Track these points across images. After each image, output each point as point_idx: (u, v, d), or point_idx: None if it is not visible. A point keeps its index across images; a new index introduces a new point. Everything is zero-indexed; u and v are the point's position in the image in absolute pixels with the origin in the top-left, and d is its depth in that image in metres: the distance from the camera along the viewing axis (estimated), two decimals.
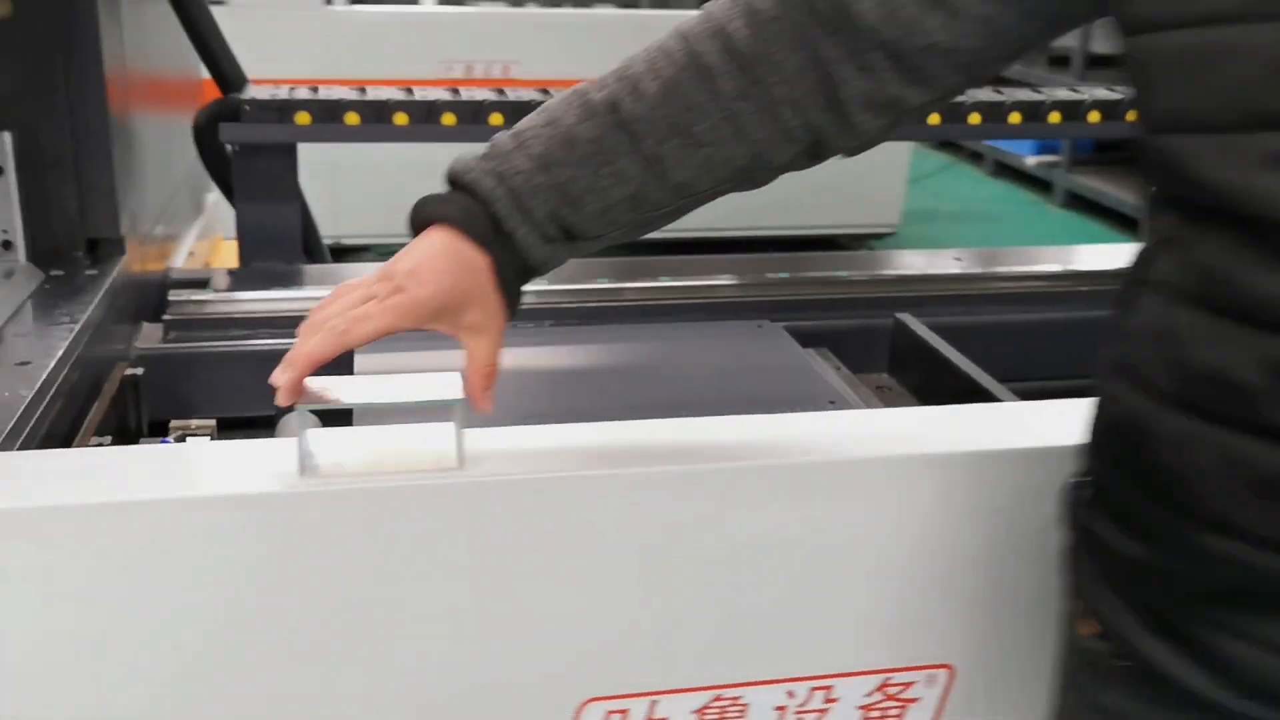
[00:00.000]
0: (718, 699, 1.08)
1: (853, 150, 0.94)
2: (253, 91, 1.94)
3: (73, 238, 1.64)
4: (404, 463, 0.97)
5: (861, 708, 1.12)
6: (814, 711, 1.11)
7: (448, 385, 0.95)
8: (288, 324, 1.73)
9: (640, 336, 1.80)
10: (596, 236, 0.92)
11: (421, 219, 0.90)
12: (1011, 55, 0.89)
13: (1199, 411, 0.74)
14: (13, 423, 1.18)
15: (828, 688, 1.10)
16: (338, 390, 0.93)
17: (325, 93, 1.94)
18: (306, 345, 0.87)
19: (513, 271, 0.91)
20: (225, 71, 1.93)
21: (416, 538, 0.97)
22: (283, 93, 1.92)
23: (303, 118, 1.89)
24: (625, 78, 0.90)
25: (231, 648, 0.97)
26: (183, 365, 1.63)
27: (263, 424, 1.59)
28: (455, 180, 0.90)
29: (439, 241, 0.88)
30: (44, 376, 1.29)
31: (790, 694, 1.09)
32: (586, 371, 1.70)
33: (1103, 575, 0.84)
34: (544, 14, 5.20)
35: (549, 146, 0.89)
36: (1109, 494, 0.83)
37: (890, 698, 1.12)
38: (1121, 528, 0.82)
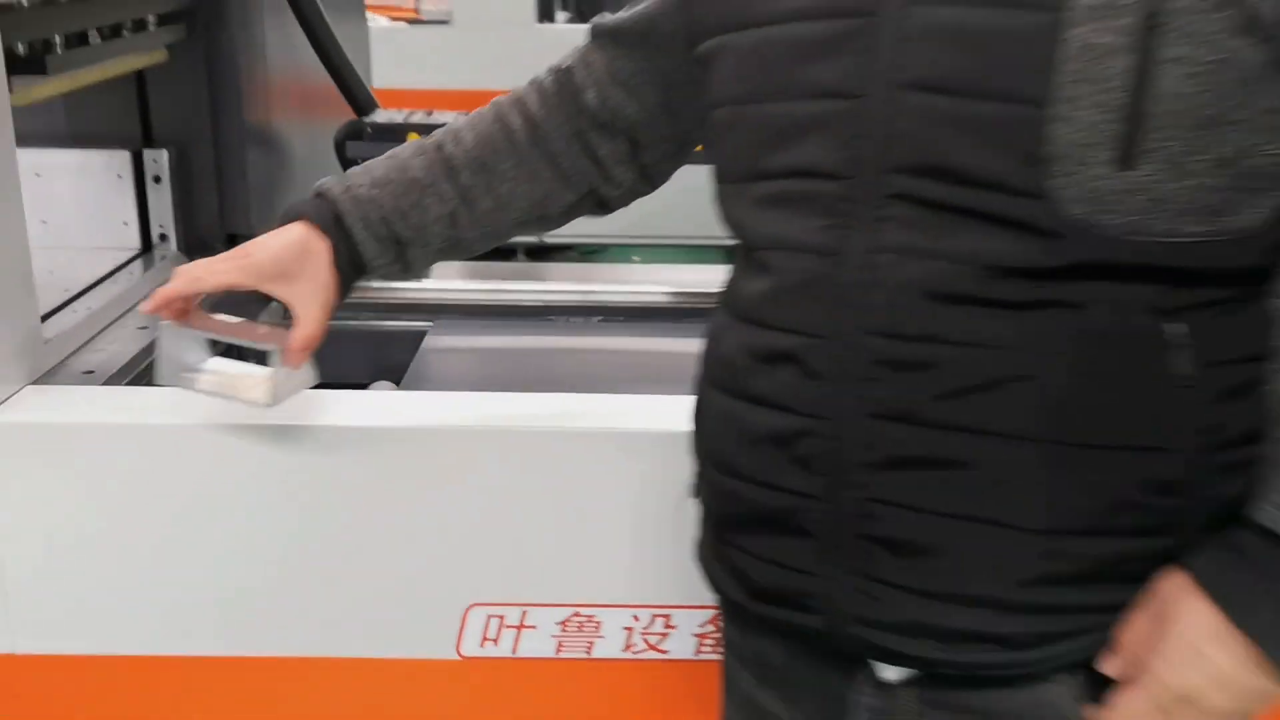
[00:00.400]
0: (576, 615, 1.37)
1: (621, 198, 1.22)
2: (377, 114, 2.35)
3: (214, 232, 2.09)
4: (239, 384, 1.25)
5: (697, 635, 1.38)
6: (656, 634, 1.38)
7: (277, 338, 1.19)
8: (387, 309, 2.15)
9: (676, 333, 2.10)
10: (423, 245, 1.20)
11: (285, 216, 1.18)
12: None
13: (717, 386, 1.00)
14: (116, 369, 1.60)
15: (667, 616, 1.38)
16: (199, 322, 1.21)
17: (437, 117, 2.33)
18: (168, 285, 1.17)
19: (347, 261, 1.17)
20: (356, 96, 2.33)
21: (334, 475, 1.32)
22: (400, 117, 2.32)
23: (414, 138, 2.27)
24: (450, 130, 1.21)
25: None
26: None
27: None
28: (315, 192, 1.21)
29: (293, 228, 1.17)
30: (155, 337, 1.72)
31: (636, 618, 1.38)
32: (609, 357, 2.02)
33: (702, 523, 1.09)
34: None
35: (386, 170, 1.20)
36: (696, 455, 1.08)
37: (721, 630, 1.38)
38: (700, 481, 1.07)
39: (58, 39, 1.61)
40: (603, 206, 1.24)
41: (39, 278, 1.77)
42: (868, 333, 0.88)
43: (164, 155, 2.01)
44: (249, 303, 1.25)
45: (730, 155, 0.98)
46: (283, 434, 1.32)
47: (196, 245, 2.07)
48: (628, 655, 1.39)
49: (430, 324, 2.14)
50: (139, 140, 2.02)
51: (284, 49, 2.21)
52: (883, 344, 0.88)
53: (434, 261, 1.26)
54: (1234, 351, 0.89)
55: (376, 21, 4.41)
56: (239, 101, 2.04)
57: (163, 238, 2.05)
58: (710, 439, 1.04)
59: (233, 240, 2.12)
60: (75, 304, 1.78)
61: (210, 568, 1.36)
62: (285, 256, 1.15)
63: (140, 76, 2.00)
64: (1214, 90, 0.82)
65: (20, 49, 1.52)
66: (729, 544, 1.03)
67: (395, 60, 4.12)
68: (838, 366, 0.90)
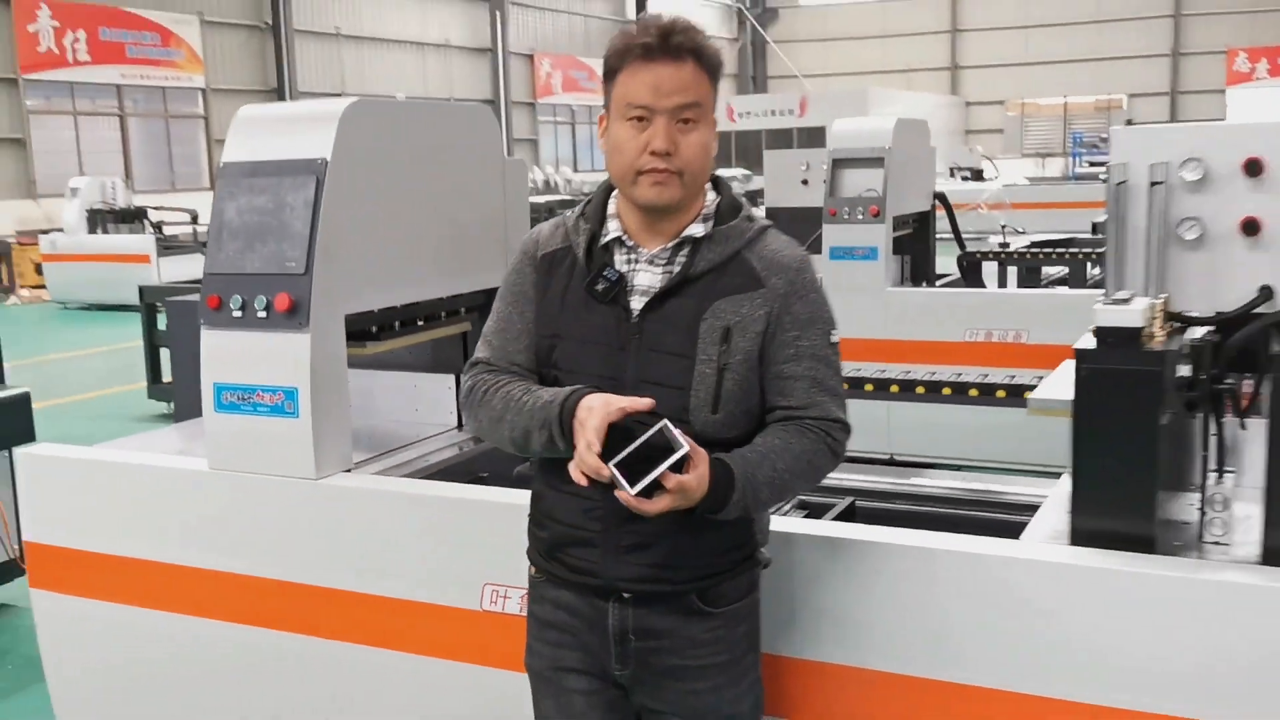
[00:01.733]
0: (525, 595, 2.86)
1: None
2: None
3: None
4: None
5: None
6: None
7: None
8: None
9: None
10: None
11: (569, 407, 2.20)
12: None
13: (553, 488, 2.40)
14: (404, 474, 3.38)
15: None
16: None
17: None
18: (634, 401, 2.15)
19: None
20: None
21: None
22: None
23: None
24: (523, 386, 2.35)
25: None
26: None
27: None
28: (563, 401, 2.23)
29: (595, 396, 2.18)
30: (428, 464, 3.51)
31: None
32: None
33: (536, 548, 2.48)
34: (1049, 294, 6.46)
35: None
36: (541, 518, 2.48)
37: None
38: (542, 531, 2.46)
39: (397, 323, 3.50)
40: None
41: (407, 438, 3.64)
42: None
43: (451, 379, 3.84)
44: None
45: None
46: (439, 502, 3.00)
47: None
48: None
49: None
50: (460, 367, 3.87)
51: None
52: None
53: None
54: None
55: None
56: None
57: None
58: (551, 510, 2.42)
59: None
60: (411, 447, 3.63)
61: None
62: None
63: (464, 334, 3.87)
64: (744, 389, 2.22)
65: (372, 329, 3.42)
66: (562, 552, 2.40)
67: None
68: None
